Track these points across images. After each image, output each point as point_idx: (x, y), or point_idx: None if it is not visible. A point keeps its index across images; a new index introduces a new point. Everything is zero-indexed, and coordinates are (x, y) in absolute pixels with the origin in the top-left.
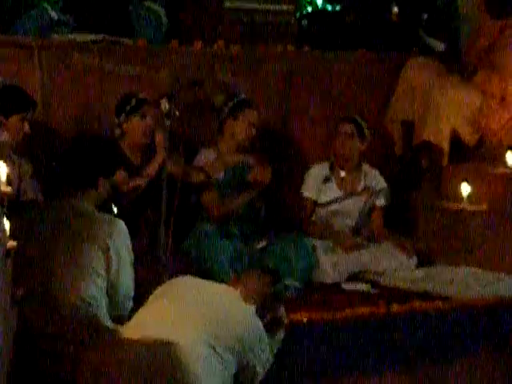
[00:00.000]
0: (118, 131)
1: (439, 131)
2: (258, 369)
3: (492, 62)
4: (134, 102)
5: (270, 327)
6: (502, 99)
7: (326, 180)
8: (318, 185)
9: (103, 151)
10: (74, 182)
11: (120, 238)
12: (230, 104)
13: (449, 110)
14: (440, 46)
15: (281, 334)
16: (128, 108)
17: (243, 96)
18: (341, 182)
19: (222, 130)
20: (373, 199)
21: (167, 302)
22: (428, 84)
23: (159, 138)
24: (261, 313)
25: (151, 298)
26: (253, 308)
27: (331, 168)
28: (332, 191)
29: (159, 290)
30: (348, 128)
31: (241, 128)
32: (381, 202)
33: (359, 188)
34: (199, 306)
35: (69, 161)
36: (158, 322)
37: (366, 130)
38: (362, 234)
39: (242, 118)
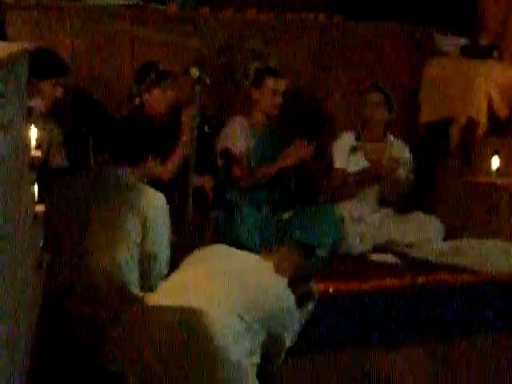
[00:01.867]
0: (137, 100)
1: (478, 106)
2: (286, 340)
3: None
4: (154, 74)
5: (301, 300)
6: None
7: (353, 150)
8: (346, 154)
9: (155, 130)
10: (121, 156)
11: (159, 211)
12: (254, 73)
13: (486, 85)
14: (460, 42)
15: (310, 307)
16: (148, 80)
17: (267, 64)
18: (367, 152)
19: (250, 99)
20: (399, 170)
21: (198, 270)
22: (458, 69)
23: (186, 115)
24: (292, 286)
25: (183, 264)
26: (285, 281)
27: (357, 138)
28: (359, 161)
29: (190, 258)
30: (376, 97)
31: (264, 97)
32: (404, 172)
33: (385, 158)
34: (231, 275)
35: (121, 134)
36: (188, 289)
37: (393, 100)
38: (385, 203)
39: (264, 86)
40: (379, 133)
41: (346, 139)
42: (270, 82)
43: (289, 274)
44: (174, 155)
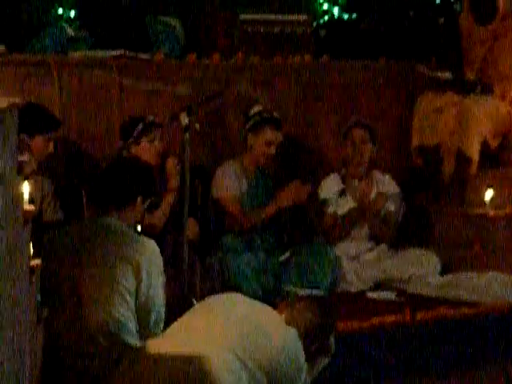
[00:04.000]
0: (124, 154)
1: (470, 143)
2: None
3: (497, 70)
4: (141, 125)
5: (314, 354)
6: None
7: (341, 193)
8: (334, 198)
9: (143, 171)
10: (112, 200)
11: (152, 258)
12: (255, 118)
13: (479, 122)
14: (447, 75)
15: (324, 362)
16: (136, 132)
17: (271, 114)
18: (354, 192)
19: (245, 143)
20: (387, 205)
21: (204, 316)
22: (450, 102)
23: (169, 164)
24: (305, 340)
25: (191, 310)
26: (295, 333)
27: (343, 179)
28: (347, 203)
29: (200, 304)
30: (361, 133)
31: (258, 144)
32: (393, 206)
33: (372, 195)
34: (237, 322)
35: (110, 178)
36: (191, 335)
37: (376, 134)
38: (379, 240)
39: (261, 135)
40: (365, 169)
41: (332, 182)
42: (268, 133)
43: (302, 327)
44: (162, 203)
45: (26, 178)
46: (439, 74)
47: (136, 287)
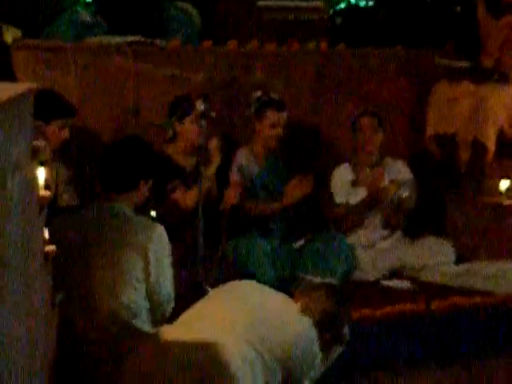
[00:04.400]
0: (170, 133)
1: (486, 132)
2: (304, 381)
3: None
4: (186, 105)
5: (329, 343)
6: None
7: (353, 183)
8: (346, 188)
9: (144, 152)
10: (113, 184)
11: (159, 242)
12: (256, 104)
13: (495, 111)
14: (464, 64)
15: (338, 350)
16: (182, 110)
17: (270, 97)
18: (366, 180)
19: (253, 129)
20: (400, 191)
21: (219, 302)
22: (466, 91)
23: (213, 144)
24: (320, 328)
25: (207, 296)
26: (309, 321)
27: (354, 168)
28: (360, 191)
29: (216, 290)
30: (371, 121)
31: (264, 128)
32: (406, 193)
33: (385, 182)
34: (252, 310)
35: (108, 162)
36: (205, 323)
37: (383, 122)
38: (391, 226)
39: (264, 118)
40: (376, 156)
41: (343, 172)
42: (271, 115)
43: (316, 315)
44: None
45: (42, 163)
46: (456, 64)
47: (145, 273)
